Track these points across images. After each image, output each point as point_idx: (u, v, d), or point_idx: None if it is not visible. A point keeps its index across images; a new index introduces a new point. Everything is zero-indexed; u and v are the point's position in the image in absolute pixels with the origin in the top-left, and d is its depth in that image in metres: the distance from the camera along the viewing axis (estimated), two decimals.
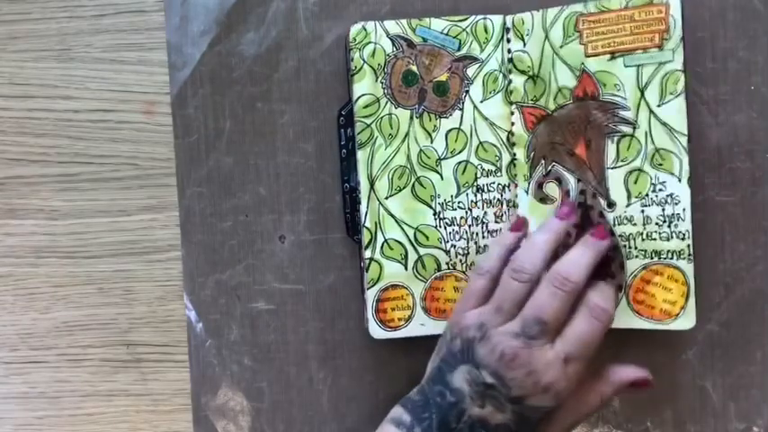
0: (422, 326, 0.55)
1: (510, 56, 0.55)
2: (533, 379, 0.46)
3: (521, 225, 0.53)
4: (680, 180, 0.52)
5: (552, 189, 0.55)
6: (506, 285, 0.49)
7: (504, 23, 0.55)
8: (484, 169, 0.55)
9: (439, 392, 0.48)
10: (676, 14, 0.51)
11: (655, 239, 0.53)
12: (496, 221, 0.55)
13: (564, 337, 0.48)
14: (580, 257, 0.50)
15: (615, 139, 0.53)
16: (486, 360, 0.47)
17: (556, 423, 0.48)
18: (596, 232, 0.51)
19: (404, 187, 0.55)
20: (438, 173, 0.55)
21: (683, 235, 0.52)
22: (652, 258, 0.53)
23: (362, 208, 0.55)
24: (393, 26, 0.54)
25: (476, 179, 0.55)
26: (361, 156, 0.54)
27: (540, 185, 0.55)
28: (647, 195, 0.53)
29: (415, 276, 0.55)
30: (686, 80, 0.52)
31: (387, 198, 0.55)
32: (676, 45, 0.51)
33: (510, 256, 0.51)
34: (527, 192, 0.55)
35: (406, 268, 0.55)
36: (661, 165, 0.53)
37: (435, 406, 0.48)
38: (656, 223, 0.53)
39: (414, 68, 0.55)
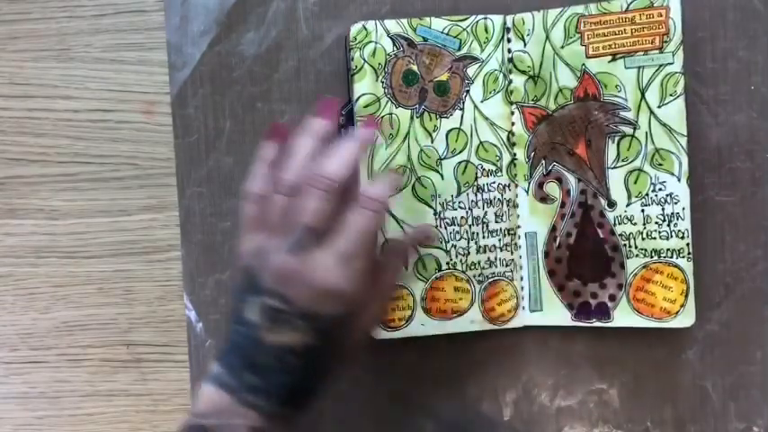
0: (422, 326, 0.55)
1: (510, 56, 0.55)
2: (314, 289, 0.44)
3: (280, 132, 0.49)
4: (679, 180, 0.53)
5: (553, 189, 0.55)
6: (272, 202, 0.46)
7: (505, 23, 0.55)
8: (484, 169, 0.55)
9: (237, 331, 0.45)
10: (676, 17, 0.52)
11: (655, 238, 0.53)
12: (497, 221, 0.55)
13: (336, 235, 0.45)
14: (342, 152, 0.47)
15: (615, 139, 0.53)
16: (267, 284, 0.44)
17: (364, 320, 0.47)
18: (366, 122, 0.50)
19: (404, 187, 0.55)
20: (438, 173, 0.55)
21: (683, 234, 0.53)
22: (652, 257, 0.53)
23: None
24: (393, 26, 0.54)
25: (476, 179, 0.55)
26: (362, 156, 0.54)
27: (540, 185, 0.55)
28: (647, 195, 0.53)
29: (416, 276, 0.55)
30: (686, 81, 0.52)
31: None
32: (676, 47, 0.52)
33: (275, 170, 0.48)
34: (527, 191, 0.55)
35: (406, 268, 0.55)
36: (661, 165, 0.53)
37: (238, 345, 0.45)
38: (656, 222, 0.53)
39: (414, 68, 0.55)
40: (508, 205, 0.55)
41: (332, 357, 0.46)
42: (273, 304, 0.44)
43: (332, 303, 0.44)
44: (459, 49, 0.55)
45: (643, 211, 0.53)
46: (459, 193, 0.55)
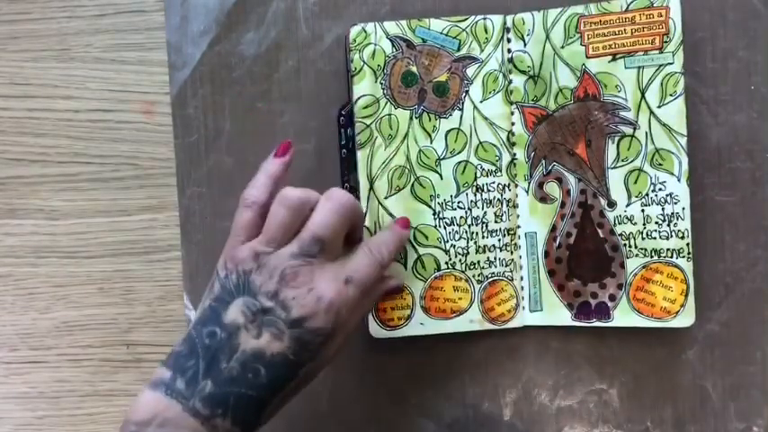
0: (421, 325, 0.55)
1: (510, 56, 0.55)
2: (315, 295, 0.44)
3: (285, 149, 0.50)
4: (679, 180, 0.53)
5: (552, 189, 0.55)
6: (275, 215, 0.46)
7: (505, 23, 0.55)
8: (484, 169, 0.55)
9: (209, 333, 0.44)
10: (676, 17, 0.52)
11: (655, 238, 0.53)
12: (496, 221, 0.55)
13: (345, 262, 0.47)
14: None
15: (615, 139, 0.53)
16: (264, 286, 0.44)
17: (340, 344, 0.47)
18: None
19: (403, 187, 0.55)
20: (437, 173, 0.55)
21: (683, 234, 0.53)
22: (652, 257, 0.53)
23: (362, 208, 0.55)
24: (393, 27, 0.54)
25: (475, 179, 0.55)
26: (361, 156, 0.54)
27: (540, 185, 0.55)
28: (647, 195, 0.53)
29: (415, 276, 0.55)
30: (686, 81, 0.52)
31: (386, 198, 0.55)
32: (676, 47, 0.52)
33: (275, 185, 0.48)
34: (527, 191, 0.55)
35: (405, 268, 0.55)
36: (661, 165, 0.53)
37: (203, 349, 0.43)
38: (656, 222, 0.53)
39: (413, 69, 0.55)
40: (508, 205, 0.55)
41: (298, 376, 0.45)
42: (266, 304, 0.44)
43: (324, 317, 0.44)
44: (459, 50, 0.55)
45: (643, 210, 0.53)
46: (458, 193, 0.55)
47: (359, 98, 0.54)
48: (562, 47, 0.54)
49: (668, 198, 0.53)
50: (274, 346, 0.44)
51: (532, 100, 0.55)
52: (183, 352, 0.44)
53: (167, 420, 0.42)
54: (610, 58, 0.53)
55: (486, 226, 0.55)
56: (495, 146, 0.55)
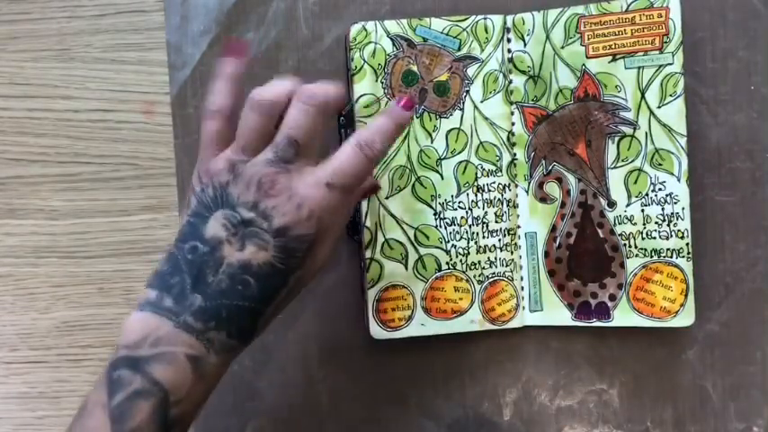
0: (422, 326, 0.55)
1: (510, 56, 0.55)
2: (295, 202, 0.42)
3: (238, 48, 0.47)
4: (679, 180, 0.53)
5: (553, 189, 0.55)
6: (246, 120, 0.44)
7: (505, 23, 0.55)
8: (484, 169, 0.55)
9: (191, 249, 0.42)
10: (676, 18, 0.52)
11: (654, 238, 0.53)
12: (497, 221, 0.55)
13: (327, 163, 0.44)
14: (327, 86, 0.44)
15: (615, 139, 0.53)
16: (243, 196, 0.42)
17: (324, 251, 0.45)
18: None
19: (404, 187, 0.55)
20: (438, 173, 0.55)
21: (683, 234, 0.53)
22: (652, 257, 0.53)
23: (363, 208, 0.55)
24: (393, 26, 0.54)
25: (476, 179, 0.55)
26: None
27: (540, 185, 0.55)
28: (646, 195, 0.53)
29: (416, 276, 0.55)
30: (686, 81, 0.52)
31: (387, 198, 0.55)
32: (676, 48, 0.52)
33: (236, 86, 0.46)
34: (527, 191, 0.55)
35: (406, 268, 0.55)
36: (661, 165, 0.53)
37: (187, 264, 0.42)
38: (656, 222, 0.53)
39: (414, 68, 0.55)
40: (508, 205, 0.55)
41: (288, 284, 0.43)
42: (246, 216, 0.42)
43: (307, 224, 0.43)
44: (459, 50, 0.55)
45: (643, 210, 0.53)
46: (459, 193, 0.55)
47: (359, 97, 0.54)
48: (562, 47, 0.54)
49: (668, 198, 0.53)
50: (260, 257, 0.42)
51: (532, 100, 0.55)
52: (167, 270, 0.42)
53: (160, 339, 0.40)
54: (610, 58, 0.53)
55: (487, 226, 0.55)
56: (495, 146, 0.55)
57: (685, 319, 0.53)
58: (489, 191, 0.55)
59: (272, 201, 0.42)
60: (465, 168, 0.55)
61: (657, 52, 0.52)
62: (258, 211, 0.42)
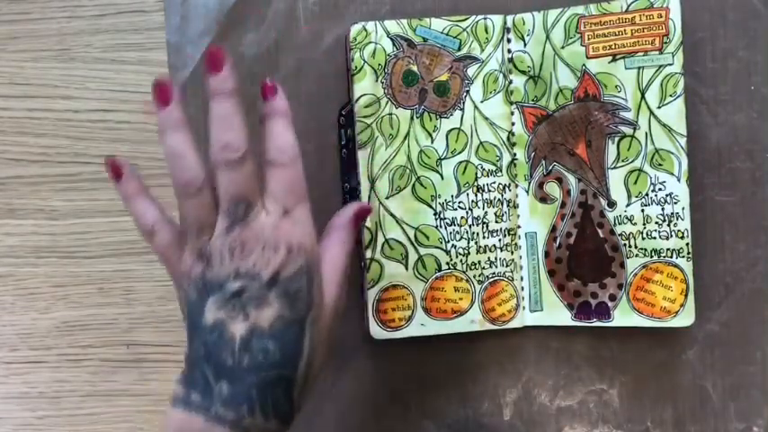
0: (422, 326, 0.55)
1: (510, 56, 0.55)
2: (270, 247, 0.42)
3: (117, 167, 0.46)
4: (679, 180, 0.53)
5: (553, 189, 0.55)
6: (185, 209, 0.44)
7: (505, 24, 0.55)
8: (484, 169, 0.55)
9: (200, 344, 0.41)
10: (676, 18, 0.52)
11: (654, 238, 0.53)
12: (497, 221, 0.55)
13: (268, 196, 0.44)
14: (227, 115, 0.44)
15: (616, 139, 0.53)
16: (222, 273, 0.42)
17: (329, 284, 0.44)
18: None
19: (404, 187, 0.55)
20: (438, 173, 0.55)
21: (683, 234, 0.53)
22: (652, 257, 0.53)
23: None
24: (393, 26, 0.54)
25: (476, 179, 0.55)
26: (362, 156, 0.54)
27: (540, 185, 0.55)
28: (646, 195, 0.53)
29: (416, 276, 0.55)
30: (686, 81, 0.52)
31: (387, 198, 0.55)
32: (676, 48, 0.52)
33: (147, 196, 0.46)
34: (527, 191, 0.55)
35: (406, 268, 0.55)
36: (661, 165, 0.53)
37: (203, 358, 0.41)
38: (656, 222, 0.53)
39: (414, 68, 0.55)
40: (508, 205, 0.55)
41: (307, 331, 0.42)
42: (235, 287, 0.41)
43: (293, 258, 0.42)
44: (459, 50, 0.55)
45: (643, 211, 0.53)
46: (459, 194, 0.55)
47: (360, 97, 0.54)
48: (562, 47, 0.54)
49: (668, 198, 0.53)
50: (266, 315, 0.41)
51: (533, 100, 0.55)
52: (187, 371, 0.42)
53: None
54: (610, 58, 0.53)
55: (487, 226, 0.55)
56: (495, 146, 0.55)
57: (685, 319, 0.53)
58: (489, 191, 0.55)
59: (249, 259, 0.42)
60: (465, 168, 0.55)
61: (657, 52, 0.52)
62: (243, 277, 0.41)
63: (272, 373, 0.41)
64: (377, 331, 0.55)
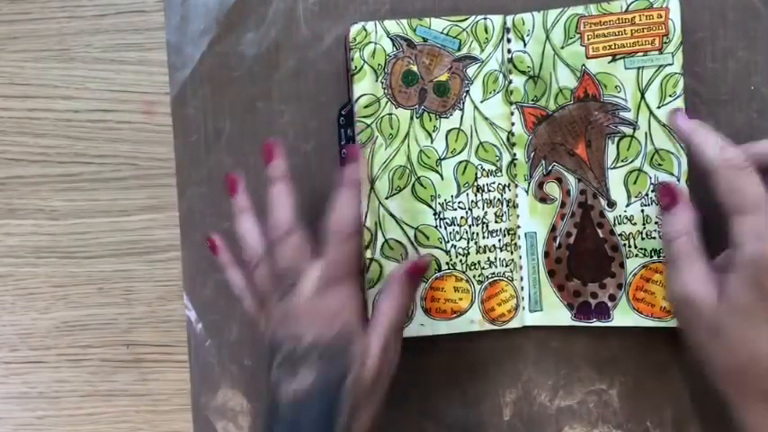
0: (422, 326, 0.55)
1: (510, 56, 0.55)
2: (311, 316, 0.46)
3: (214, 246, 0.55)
4: (679, 180, 0.53)
5: (552, 189, 0.55)
6: (254, 279, 0.51)
7: (505, 24, 0.55)
8: (484, 169, 0.55)
9: (265, 407, 0.47)
10: (676, 18, 0.52)
11: (654, 238, 0.53)
12: (497, 221, 0.55)
13: (323, 260, 0.48)
14: (278, 196, 0.50)
15: (615, 139, 0.53)
16: (277, 337, 0.47)
17: (370, 354, 0.47)
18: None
19: (404, 187, 0.55)
20: (438, 173, 0.55)
21: None
22: (652, 257, 0.53)
23: (362, 208, 0.55)
24: (393, 26, 0.54)
25: (476, 179, 0.55)
26: (362, 156, 0.54)
27: (540, 185, 0.55)
28: (646, 195, 0.53)
29: None
30: (686, 81, 0.52)
31: (387, 198, 0.55)
32: (676, 48, 0.52)
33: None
34: (527, 191, 0.55)
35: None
36: (660, 165, 0.53)
37: (265, 414, 0.47)
38: (656, 222, 0.53)
39: (414, 68, 0.55)
40: (508, 205, 0.55)
41: (344, 394, 0.45)
42: (287, 349, 0.46)
43: (330, 325, 0.46)
44: (459, 50, 0.55)
45: (642, 211, 0.53)
46: (458, 194, 0.55)
47: (359, 97, 0.54)
48: (562, 47, 0.54)
49: None
50: (306, 376, 0.45)
51: (532, 100, 0.55)
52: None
53: None
54: (610, 58, 0.53)
55: (487, 226, 0.55)
56: (495, 146, 0.55)
57: None
58: (489, 191, 0.55)
59: (295, 328, 0.46)
60: (465, 168, 0.55)
61: (657, 53, 0.52)
62: (292, 339, 0.46)
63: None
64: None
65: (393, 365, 0.49)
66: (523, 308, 0.56)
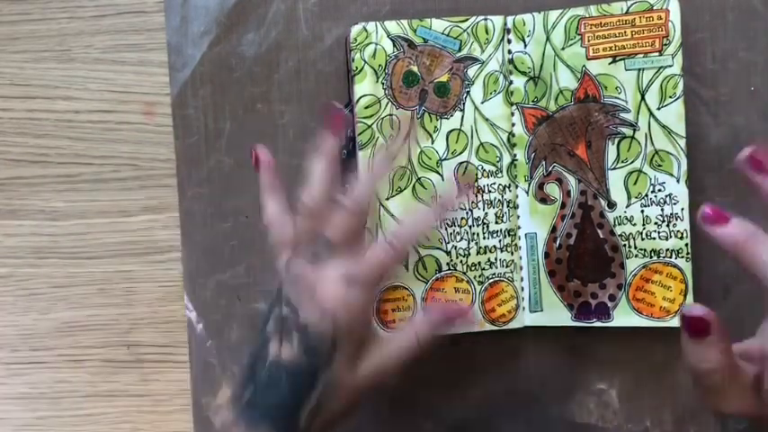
0: None
1: (510, 57, 0.55)
2: (314, 300, 0.45)
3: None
4: (678, 181, 0.53)
5: (553, 189, 0.55)
6: (298, 225, 0.49)
7: (505, 24, 0.55)
8: (484, 170, 0.55)
9: (259, 345, 0.46)
10: (676, 20, 0.52)
11: (654, 239, 0.53)
12: (497, 222, 0.55)
13: (352, 257, 0.47)
14: (366, 178, 0.50)
15: (615, 140, 0.53)
16: (284, 293, 0.46)
17: (364, 363, 0.46)
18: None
19: (404, 188, 0.55)
20: (439, 173, 0.55)
21: (682, 234, 0.53)
22: (651, 257, 0.53)
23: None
24: (394, 27, 0.54)
25: (476, 180, 0.55)
26: (362, 157, 0.54)
27: (540, 186, 0.55)
28: (646, 196, 0.53)
29: (416, 277, 0.55)
30: (686, 82, 0.52)
31: (387, 199, 0.55)
32: (676, 50, 0.52)
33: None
34: (527, 192, 0.55)
35: (406, 269, 0.55)
36: (660, 166, 0.53)
37: (254, 364, 0.46)
38: (656, 223, 0.53)
39: (414, 69, 0.55)
40: (508, 206, 0.55)
41: (317, 386, 0.44)
42: (284, 312, 0.45)
43: (322, 321, 0.45)
44: (460, 50, 0.55)
45: (642, 211, 0.53)
46: (459, 194, 0.55)
47: (360, 98, 0.54)
48: (562, 48, 0.54)
49: (667, 199, 0.53)
50: (287, 352, 0.45)
51: (533, 101, 0.55)
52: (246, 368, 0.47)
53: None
54: (610, 59, 0.53)
55: (487, 227, 0.55)
56: (495, 147, 0.55)
57: None
58: (489, 192, 0.55)
59: (297, 297, 0.46)
60: (465, 169, 0.55)
61: (657, 54, 0.52)
62: (291, 308, 0.45)
63: (281, 403, 0.44)
64: (377, 332, 0.55)
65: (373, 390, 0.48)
66: (524, 308, 0.56)
